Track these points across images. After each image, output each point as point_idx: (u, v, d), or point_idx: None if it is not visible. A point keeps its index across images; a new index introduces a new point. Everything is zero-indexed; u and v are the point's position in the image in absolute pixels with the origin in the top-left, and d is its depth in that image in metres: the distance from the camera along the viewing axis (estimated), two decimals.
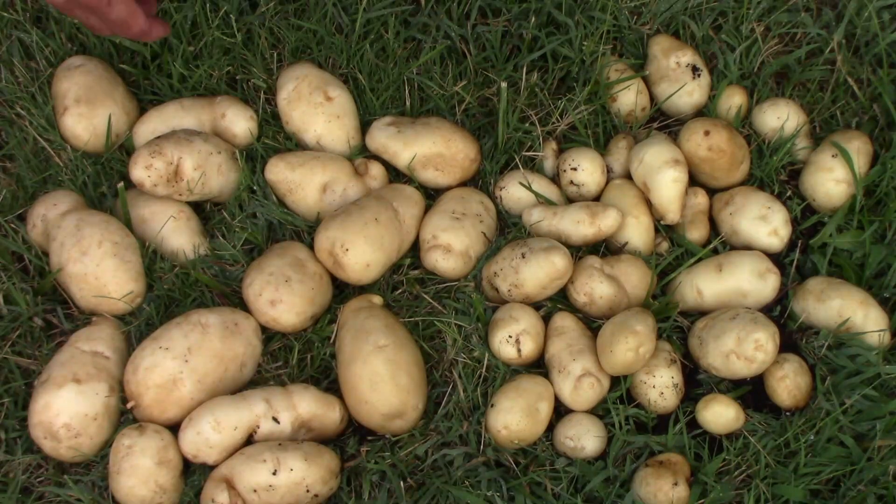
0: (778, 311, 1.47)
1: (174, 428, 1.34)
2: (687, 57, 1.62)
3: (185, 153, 1.46)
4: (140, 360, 1.34)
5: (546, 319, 1.45)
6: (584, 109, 1.61)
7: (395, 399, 1.33)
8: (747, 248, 1.50)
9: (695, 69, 1.62)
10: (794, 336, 1.45)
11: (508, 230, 1.53)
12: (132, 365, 1.34)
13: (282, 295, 1.39)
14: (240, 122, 1.55)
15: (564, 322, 1.43)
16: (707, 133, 1.50)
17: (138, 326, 1.42)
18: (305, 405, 1.34)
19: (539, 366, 1.43)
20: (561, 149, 1.60)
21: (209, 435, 1.30)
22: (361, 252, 1.41)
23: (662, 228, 1.54)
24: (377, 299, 1.44)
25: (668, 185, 1.48)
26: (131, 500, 1.29)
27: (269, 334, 1.43)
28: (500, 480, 1.33)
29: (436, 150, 1.53)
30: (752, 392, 1.42)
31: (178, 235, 1.49)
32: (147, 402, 1.33)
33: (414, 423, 1.37)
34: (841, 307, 1.42)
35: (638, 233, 1.50)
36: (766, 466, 1.34)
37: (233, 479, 1.28)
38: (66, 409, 1.32)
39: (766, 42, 1.68)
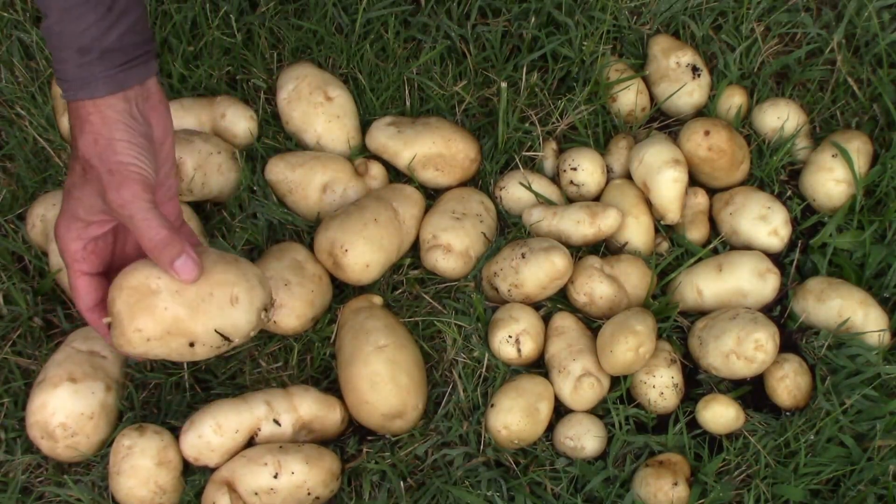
0: (778, 311, 1.47)
1: (174, 430, 1.34)
2: (687, 57, 1.62)
3: (185, 153, 1.46)
4: (125, 269, 1.19)
5: (546, 319, 1.45)
6: (584, 109, 1.61)
7: (395, 399, 1.33)
8: (747, 248, 1.50)
9: (695, 69, 1.62)
10: (794, 336, 1.45)
11: (508, 230, 1.53)
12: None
13: (282, 299, 1.39)
14: (240, 122, 1.55)
15: (564, 322, 1.43)
16: (707, 133, 1.50)
17: None
18: (306, 407, 1.34)
19: (539, 366, 1.44)
20: (561, 149, 1.60)
21: (210, 438, 1.30)
22: (361, 252, 1.41)
23: (662, 228, 1.54)
24: (377, 299, 1.44)
25: (668, 185, 1.48)
26: (131, 500, 1.29)
27: (268, 335, 1.43)
28: (500, 480, 1.33)
29: (436, 150, 1.53)
30: (752, 392, 1.42)
31: None
32: (118, 307, 1.15)
33: (414, 423, 1.37)
34: (841, 307, 1.42)
35: (638, 233, 1.50)
36: (766, 466, 1.34)
37: (234, 483, 1.28)
38: (61, 409, 1.32)
39: (766, 42, 1.68)
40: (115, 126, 1.13)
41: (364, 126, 1.60)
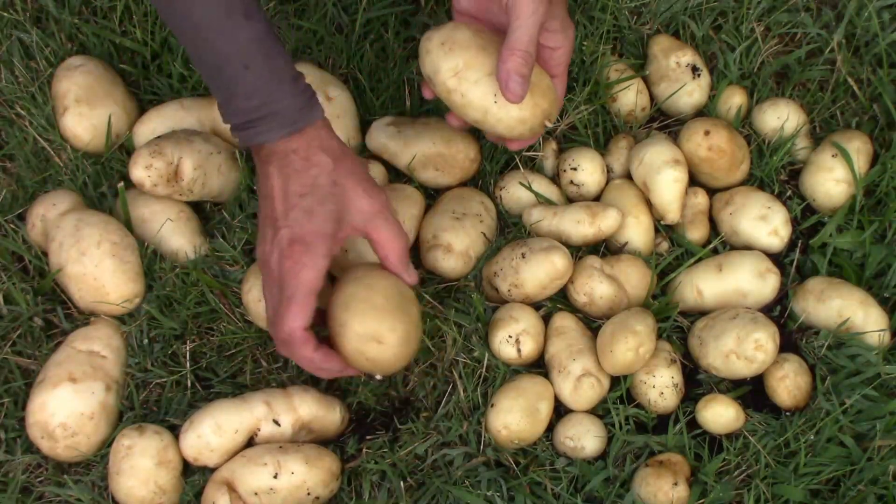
0: (778, 311, 1.47)
1: (174, 429, 1.34)
2: (687, 57, 1.62)
3: (185, 153, 1.46)
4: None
5: (546, 319, 1.45)
6: (584, 109, 1.61)
7: (370, 318, 1.24)
8: (747, 248, 1.50)
9: (695, 69, 1.62)
10: (794, 336, 1.45)
11: (508, 230, 1.53)
12: None
13: None
14: None
15: (564, 322, 1.43)
16: (707, 133, 1.50)
17: (139, 326, 1.42)
18: (306, 407, 1.34)
19: (539, 366, 1.44)
20: (561, 149, 1.60)
21: (210, 438, 1.30)
22: (360, 253, 1.41)
23: (662, 228, 1.54)
24: None
25: (668, 185, 1.48)
26: (131, 500, 1.29)
27: (269, 335, 1.43)
28: (500, 480, 1.33)
29: (436, 150, 1.53)
30: (752, 392, 1.42)
31: (178, 235, 1.49)
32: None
33: (394, 351, 1.25)
34: (841, 307, 1.42)
35: (638, 233, 1.50)
36: (766, 466, 1.34)
37: (234, 483, 1.28)
38: (61, 409, 1.32)
39: (766, 42, 1.68)
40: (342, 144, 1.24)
41: (364, 126, 1.59)
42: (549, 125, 1.26)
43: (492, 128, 1.27)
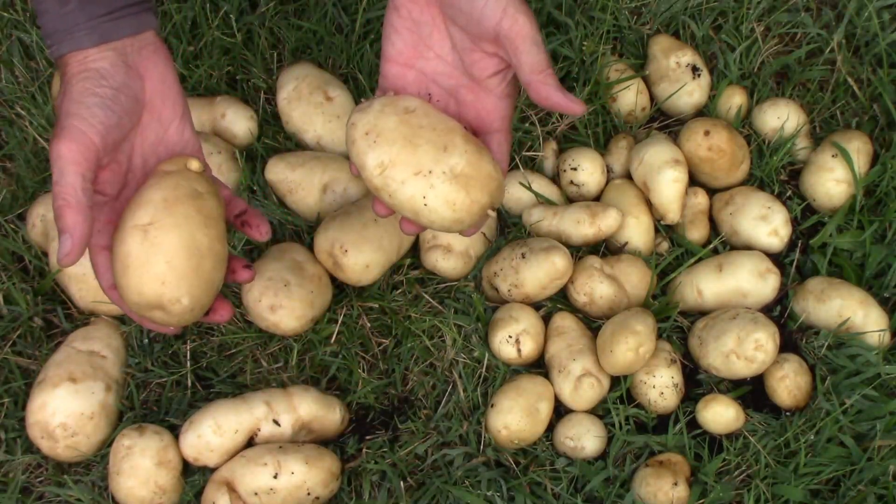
0: (778, 311, 1.47)
1: (174, 429, 1.34)
2: (687, 57, 1.62)
3: None
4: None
5: (546, 319, 1.45)
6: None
7: (148, 287, 1.08)
8: (747, 248, 1.50)
9: (695, 69, 1.62)
10: (794, 336, 1.45)
11: (508, 230, 1.53)
12: None
13: (281, 300, 1.38)
14: (240, 122, 1.55)
15: (564, 322, 1.43)
16: (707, 133, 1.50)
17: (139, 326, 1.42)
18: (306, 407, 1.34)
19: (539, 366, 1.44)
20: (561, 149, 1.60)
21: (210, 438, 1.30)
22: (360, 253, 1.41)
23: (662, 228, 1.54)
24: (194, 164, 1.15)
25: (668, 185, 1.49)
26: (131, 500, 1.29)
27: (269, 335, 1.43)
28: (500, 480, 1.33)
29: None
30: (752, 392, 1.42)
31: None
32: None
33: (181, 317, 1.10)
34: (841, 307, 1.42)
35: (638, 233, 1.50)
36: (766, 466, 1.34)
37: (234, 483, 1.28)
38: (62, 409, 1.32)
39: (766, 42, 1.68)
40: (85, 75, 1.07)
41: None
42: (493, 214, 1.13)
43: (427, 227, 1.13)
